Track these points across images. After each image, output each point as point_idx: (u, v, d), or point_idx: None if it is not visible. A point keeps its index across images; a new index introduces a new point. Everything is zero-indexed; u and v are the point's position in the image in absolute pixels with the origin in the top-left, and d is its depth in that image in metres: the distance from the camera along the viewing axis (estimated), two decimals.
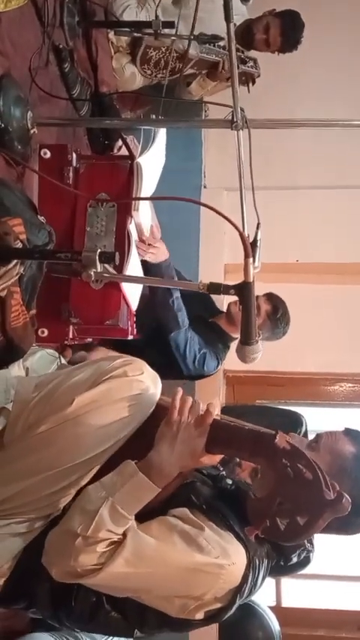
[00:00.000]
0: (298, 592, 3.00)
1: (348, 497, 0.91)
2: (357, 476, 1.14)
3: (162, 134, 1.91)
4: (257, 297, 2.33)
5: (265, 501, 0.96)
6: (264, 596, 2.79)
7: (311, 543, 1.24)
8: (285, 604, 2.95)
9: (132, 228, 1.79)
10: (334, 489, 0.92)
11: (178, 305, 2.16)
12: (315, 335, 3.01)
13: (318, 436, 1.24)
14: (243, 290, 1.26)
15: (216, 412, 1.09)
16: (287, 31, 2.63)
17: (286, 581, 2.97)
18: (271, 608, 2.67)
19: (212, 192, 3.13)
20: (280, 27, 2.62)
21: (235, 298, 2.38)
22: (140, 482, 1.05)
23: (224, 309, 2.53)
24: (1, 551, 1.12)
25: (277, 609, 2.78)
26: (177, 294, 2.14)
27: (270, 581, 2.91)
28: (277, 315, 2.41)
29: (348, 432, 1.23)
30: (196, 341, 2.28)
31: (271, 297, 2.45)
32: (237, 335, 2.29)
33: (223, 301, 2.57)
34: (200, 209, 3.10)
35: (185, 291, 2.50)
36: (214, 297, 2.59)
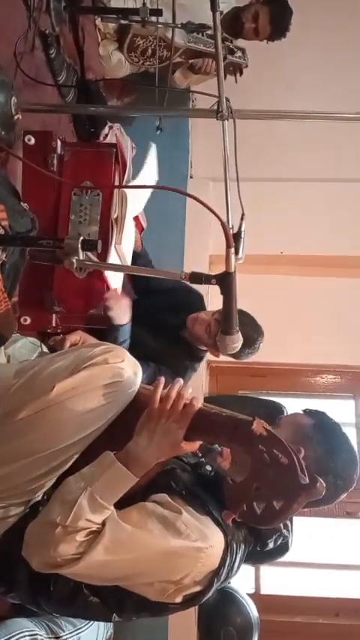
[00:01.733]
0: (277, 580, 3.04)
1: (322, 481, 0.93)
2: (318, 439, 1.19)
3: (152, 153, 1.90)
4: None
5: (242, 486, 0.97)
6: (243, 584, 2.83)
7: (287, 529, 1.26)
8: (264, 591, 3.00)
9: (129, 219, 1.78)
10: (311, 475, 0.93)
11: (125, 346, 1.99)
12: (298, 326, 3.04)
13: (280, 417, 1.30)
14: (224, 280, 1.27)
15: (198, 406, 1.10)
16: (276, 20, 2.61)
17: (265, 569, 3.02)
18: (250, 595, 2.69)
19: (199, 183, 3.13)
20: (269, 15, 2.60)
21: (217, 304, 2.28)
22: (118, 473, 1.06)
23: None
24: None
25: (256, 596, 2.83)
26: (125, 337, 2.00)
27: (249, 569, 2.96)
28: (250, 338, 2.11)
29: (306, 411, 1.30)
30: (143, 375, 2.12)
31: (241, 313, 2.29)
32: (205, 348, 2.22)
33: (209, 304, 2.52)
34: (186, 200, 3.10)
35: (165, 293, 2.42)
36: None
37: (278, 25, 2.62)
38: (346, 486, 1.20)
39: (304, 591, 3.00)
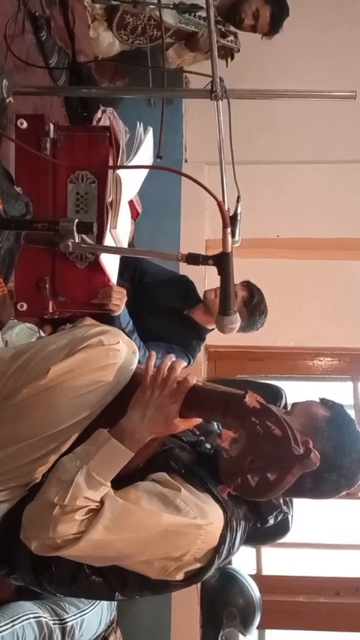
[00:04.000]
0: (278, 560, 3.07)
1: (316, 452, 0.93)
2: (329, 434, 1.16)
3: (149, 137, 1.89)
4: (235, 284, 2.32)
5: (236, 459, 0.97)
6: (245, 565, 2.86)
7: (287, 505, 1.27)
8: (265, 572, 3.02)
9: (124, 204, 1.77)
10: (305, 445, 0.94)
11: (130, 330, 2.08)
12: (295, 310, 3.04)
13: (294, 403, 1.27)
14: (221, 260, 1.27)
15: (193, 382, 1.10)
16: (275, 20, 2.65)
17: (266, 550, 3.04)
18: (252, 576, 2.74)
19: (193, 167, 3.10)
20: (269, 15, 2.64)
21: (211, 286, 2.41)
22: (113, 448, 1.06)
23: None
24: None
25: (258, 577, 2.86)
26: (127, 320, 2.07)
27: (251, 550, 2.99)
28: (253, 301, 2.38)
29: (323, 401, 1.26)
30: (160, 354, 2.19)
31: (248, 284, 2.43)
32: (212, 326, 2.32)
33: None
34: (181, 184, 3.09)
35: (165, 282, 2.50)
36: (197, 285, 2.57)
37: (276, 24, 2.67)
38: (348, 485, 1.19)
39: (305, 571, 3.03)
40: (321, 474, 1.12)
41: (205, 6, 1.71)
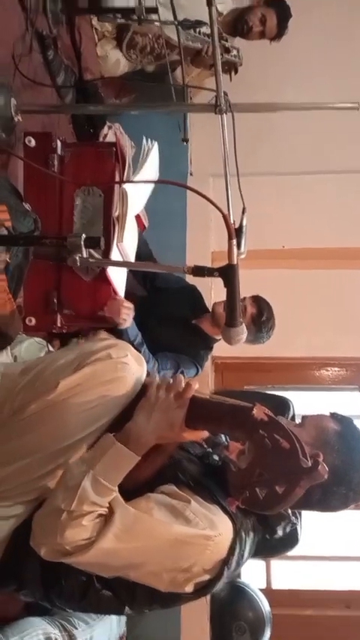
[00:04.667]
0: (287, 574, 3.05)
1: (324, 464, 0.93)
2: (339, 449, 1.16)
3: (154, 151, 1.92)
4: (244, 298, 2.35)
5: (244, 472, 0.98)
6: (254, 579, 2.84)
7: (296, 516, 1.26)
8: (275, 586, 3.00)
9: (131, 218, 1.79)
10: (314, 458, 0.94)
11: (139, 343, 2.09)
12: (302, 320, 3.04)
13: (304, 417, 1.27)
14: (227, 272, 1.28)
15: (195, 387, 1.10)
16: (282, 21, 2.72)
17: (276, 564, 3.03)
18: (262, 590, 2.72)
19: (199, 179, 3.12)
20: (276, 17, 2.70)
21: (220, 298, 2.43)
22: (119, 452, 1.07)
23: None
24: None
25: (268, 591, 2.84)
26: (135, 333, 2.07)
27: (260, 564, 2.97)
28: (262, 318, 2.39)
29: (334, 415, 1.27)
30: (167, 366, 2.24)
31: (257, 299, 2.44)
32: (219, 337, 2.33)
33: (212, 301, 2.57)
34: (187, 197, 3.11)
35: (174, 292, 2.53)
36: (203, 295, 2.60)
37: (283, 26, 2.73)
38: (357, 499, 1.19)
39: (315, 584, 3.00)
40: (330, 487, 1.12)
41: (208, 22, 1.74)
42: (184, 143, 1.91)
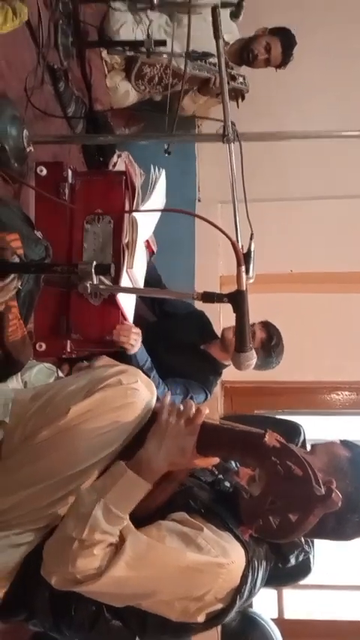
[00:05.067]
0: (300, 603, 2.98)
1: (338, 492, 0.92)
2: (352, 475, 1.16)
3: (162, 179, 1.95)
4: (253, 324, 2.36)
5: (257, 500, 0.97)
6: (266, 608, 2.78)
7: (308, 544, 1.25)
8: (287, 616, 2.94)
9: (140, 244, 1.82)
10: (327, 485, 0.93)
11: (148, 367, 2.10)
12: (311, 344, 3.04)
13: (314, 445, 1.27)
14: (236, 298, 1.28)
15: (206, 413, 1.11)
16: (287, 48, 2.75)
17: (288, 593, 2.96)
18: (274, 620, 2.66)
19: (207, 206, 3.17)
20: (280, 45, 2.74)
21: (229, 323, 2.44)
22: (130, 480, 1.06)
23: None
24: (0, 562, 1.13)
25: (280, 621, 2.78)
26: (145, 359, 2.07)
27: (272, 593, 2.91)
28: (271, 343, 2.40)
29: (344, 442, 1.27)
30: (177, 391, 2.25)
31: (266, 325, 2.45)
32: (228, 362, 2.33)
33: (220, 326, 2.59)
34: (195, 223, 3.14)
35: (182, 318, 2.55)
36: (211, 320, 2.61)
37: (288, 53, 2.76)
38: None
39: (329, 614, 2.93)
40: (343, 515, 1.11)
41: (215, 53, 1.78)
42: (167, 155, 1.94)
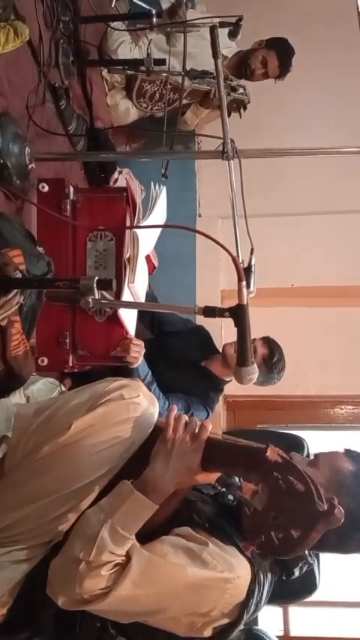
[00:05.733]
0: (306, 621, 2.94)
1: (340, 508, 0.91)
2: (355, 492, 1.15)
3: (163, 195, 1.97)
4: (254, 339, 2.36)
5: (259, 516, 0.96)
6: (272, 626, 2.74)
7: (312, 557, 1.24)
8: (293, 633, 2.89)
9: (141, 259, 1.83)
10: (329, 501, 0.92)
11: (149, 381, 2.10)
12: (314, 358, 3.03)
13: (317, 454, 1.25)
14: (237, 312, 1.29)
15: (210, 428, 1.10)
16: (284, 61, 2.76)
17: (294, 610, 2.92)
18: (279, 637, 2.62)
19: (207, 221, 3.18)
20: (277, 58, 2.75)
21: (230, 338, 2.44)
22: (137, 501, 1.06)
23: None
24: (2, 579, 1.12)
25: (286, 639, 2.73)
26: (146, 372, 2.08)
27: (277, 610, 2.87)
28: (273, 359, 2.40)
29: (348, 452, 1.25)
30: (178, 406, 2.21)
31: (268, 341, 2.45)
32: (230, 378, 2.33)
33: (222, 340, 2.59)
34: (196, 237, 3.16)
35: (182, 334, 2.55)
36: (213, 335, 2.62)
37: (286, 65, 2.77)
38: None
39: (335, 632, 2.89)
40: (346, 532, 1.10)
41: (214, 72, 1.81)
42: (164, 179, 1.97)
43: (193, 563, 1.06)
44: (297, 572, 1.21)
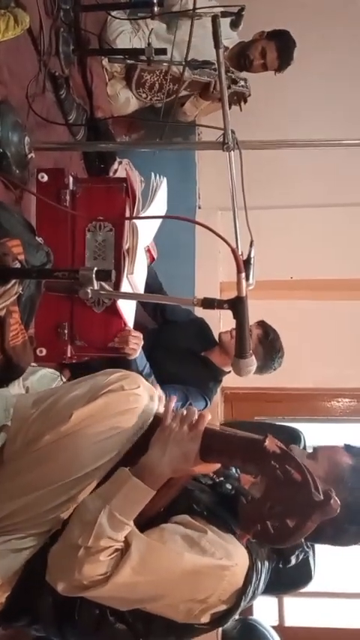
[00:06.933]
0: (301, 611, 2.97)
1: (337, 499, 0.92)
2: (353, 485, 1.16)
3: (163, 186, 1.96)
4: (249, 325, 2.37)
5: (255, 505, 0.97)
6: (267, 616, 2.76)
7: (307, 546, 1.25)
8: (288, 623, 2.92)
9: (141, 250, 1.83)
10: (325, 492, 0.93)
11: (147, 373, 2.11)
12: (312, 351, 3.04)
13: (317, 448, 1.27)
14: (236, 304, 1.29)
15: (208, 418, 1.11)
16: (283, 52, 2.72)
17: (289, 600, 2.95)
18: (274, 627, 2.65)
19: (207, 213, 3.17)
20: (276, 49, 2.71)
21: (225, 328, 2.45)
22: (134, 486, 1.07)
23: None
24: (1, 568, 1.13)
25: (280, 628, 2.76)
26: (144, 363, 2.09)
27: (272, 600, 2.89)
28: (268, 338, 2.41)
29: (348, 447, 1.26)
30: (177, 397, 2.24)
31: (262, 323, 2.47)
32: (228, 368, 2.35)
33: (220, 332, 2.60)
34: (195, 229, 3.15)
35: (181, 325, 2.56)
36: (212, 327, 2.63)
37: (285, 57, 2.73)
38: None
39: (329, 622, 2.92)
40: (341, 524, 1.12)
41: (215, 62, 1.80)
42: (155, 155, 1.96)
43: (191, 550, 1.07)
44: (294, 560, 1.23)
